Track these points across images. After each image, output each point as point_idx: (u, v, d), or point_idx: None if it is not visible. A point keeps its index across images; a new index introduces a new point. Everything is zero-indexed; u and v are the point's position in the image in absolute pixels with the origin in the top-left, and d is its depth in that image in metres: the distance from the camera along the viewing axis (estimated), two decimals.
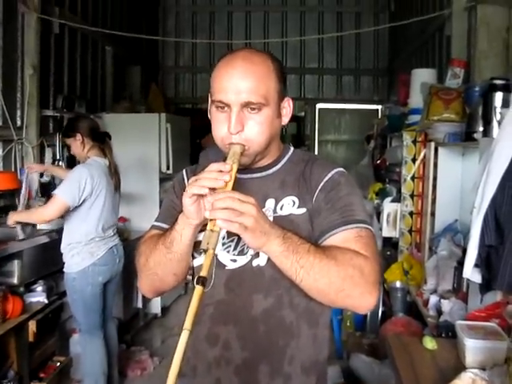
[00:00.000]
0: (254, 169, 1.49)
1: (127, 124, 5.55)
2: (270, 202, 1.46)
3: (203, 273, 1.17)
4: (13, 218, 3.52)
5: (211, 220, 1.20)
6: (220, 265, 1.44)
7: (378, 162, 6.15)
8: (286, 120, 1.48)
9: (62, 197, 3.38)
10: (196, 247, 1.40)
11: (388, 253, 4.94)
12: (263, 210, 1.38)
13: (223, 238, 1.45)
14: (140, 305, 5.18)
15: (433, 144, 3.86)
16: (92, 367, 3.63)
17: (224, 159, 1.35)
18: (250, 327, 1.44)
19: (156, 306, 5.55)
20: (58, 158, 5.15)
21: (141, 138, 5.55)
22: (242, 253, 1.44)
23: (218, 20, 9.42)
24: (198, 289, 1.16)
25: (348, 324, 4.51)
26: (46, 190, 4.72)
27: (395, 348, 2.32)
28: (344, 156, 9.76)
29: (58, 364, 3.85)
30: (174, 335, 5.05)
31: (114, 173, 3.66)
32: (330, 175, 1.45)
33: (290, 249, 1.25)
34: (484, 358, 2.03)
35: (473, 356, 2.05)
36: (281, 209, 1.45)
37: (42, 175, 4.75)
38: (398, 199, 4.73)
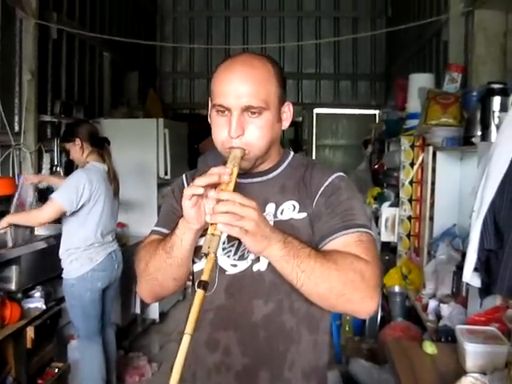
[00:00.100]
0: (254, 173, 1.48)
1: (125, 129, 5.55)
2: (271, 207, 1.45)
3: (204, 277, 1.16)
4: (6, 220, 3.51)
5: (212, 224, 1.19)
6: (220, 270, 1.44)
7: (376, 166, 6.15)
8: (286, 124, 1.48)
9: (58, 200, 3.37)
10: (196, 252, 1.40)
11: (386, 257, 4.93)
12: (263, 214, 1.37)
13: (223, 243, 1.45)
14: (138, 310, 5.17)
15: (431, 148, 3.86)
16: (90, 373, 3.62)
17: (224, 163, 1.34)
18: (250, 333, 1.43)
19: (154, 312, 5.54)
20: (55, 163, 5.14)
21: (139, 144, 5.55)
22: (242, 258, 1.44)
23: (215, 25, 9.45)
24: (200, 293, 1.15)
25: (347, 329, 4.50)
26: (44, 195, 4.70)
27: (395, 353, 2.32)
28: (342, 161, 9.78)
29: (57, 370, 3.83)
30: (173, 341, 5.04)
31: (112, 178, 3.65)
32: (330, 180, 1.45)
33: (290, 253, 1.25)
34: (484, 363, 2.03)
35: (473, 360, 2.05)
36: (281, 213, 1.45)
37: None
38: (396, 204, 4.73)
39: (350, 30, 9.20)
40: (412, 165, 4.44)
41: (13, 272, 3.48)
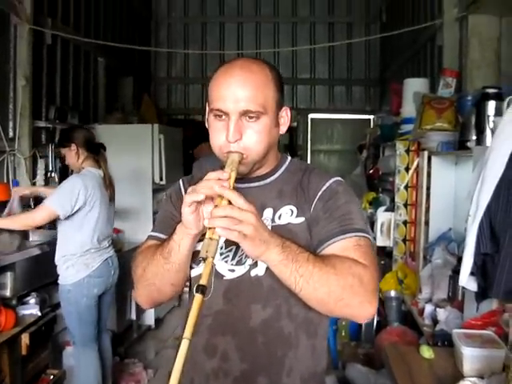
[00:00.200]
0: (252, 178, 1.48)
1: (120, 135, 5.53)
2: (268, 212, 1.45)
3: (203, 281, 1.16)
4: None
5: (210, 228, 1.19)
6: (218, 275, 1.43)
7: (371, 171, 6.16)
8: (283, 129, 1.49)
9: (49, 205, 3.37)
10: (194, 257, 1.39)
11: (382, 262, 4.93)
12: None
13: (221, 248, 1.44)
14: (134, 316, 5.14)
15: (426, 153, 3.87)
16: (86, 380, 3.60)
17: (222, 168, 1.34)
18: (248, 338, 1.43)
19: (150, 318, 5.52)
20: (50, 169, 5.11)
21: (134, 149, 5.54)
22: (240, 263, 1.43)
23: (210, 31, 9.46)
24: (198, 297, 1.14)
25: (343, 334, 4.50)
26: (40, 200, 4.68)
27: (392, 357, 2.31)
28: (336, 166, 9.78)
29: (52, 377, 3.80)
30: (168, 347, 5.03)
31: (108, 184, 3.64)
32: (327, 184, 1.45)
33: (289, 257, 1.24)
34: (481, 367, 2.02)
35: (470, 364, 2.05)
36: (279, 218, 1.44)
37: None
38: (391, 208, 4.73)
39: (345, 35, 9.23)
40: (407, 169, 4.45)
41: (7, 278, 3.46)
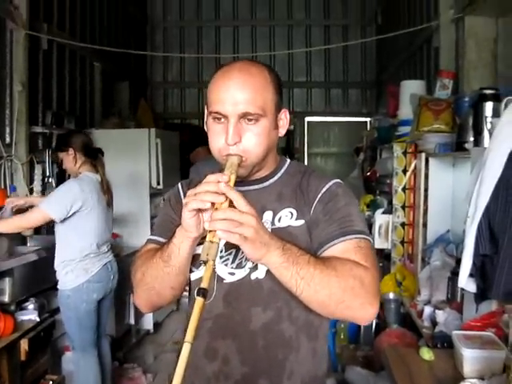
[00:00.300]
0: (251, 181, 1.48)
1: (117, 140, 5.52)
2: (268, 215, 1.45)
3: (204, 284, 1.15)
4: None
5: (210, 231, 1.19)
6: (218, 278, 1.43)
7: (368, 173, 6.16)
8: (282, 131, 1.48)
9: (43, 208, 3.36)
10: (194, 260, 1.39)
11: (380, 264, 4.92)
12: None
13: (221, 252, 1.44)
14: (132, 321, 5.12)
15: (423, 155, 3.87)
16: None
17: (221, 171, 1.34)
18: (249, 341, 1.42)
19: (148, 322, 5.50)
20: (47, 174, 5.10)
21: (131, 154, 5.53)
22: (240, 266, 1.43)
23: (205, 35, 9.45)
24: (199, 300, 1.14)
25: (342, 337, 4.48)
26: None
27: (392, 360, 2.31)
28: (333, 168, 9.77)
29: (51, 382, 3.77)
30: (167, 351, 5.02)
31: (106, 189, 3.63)
32: (327, 186, 1.45)
33: (289, 260, 1.24)
34: (481, 368, 2.02)
35: (470, 366, 2.05)
36: (279, 221, 1.44)
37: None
38: (389, 211, 4.73)
39: (341, 37, 9.22)
40: (405, 171, 4.45)
41: (6, 284, 3.45)
